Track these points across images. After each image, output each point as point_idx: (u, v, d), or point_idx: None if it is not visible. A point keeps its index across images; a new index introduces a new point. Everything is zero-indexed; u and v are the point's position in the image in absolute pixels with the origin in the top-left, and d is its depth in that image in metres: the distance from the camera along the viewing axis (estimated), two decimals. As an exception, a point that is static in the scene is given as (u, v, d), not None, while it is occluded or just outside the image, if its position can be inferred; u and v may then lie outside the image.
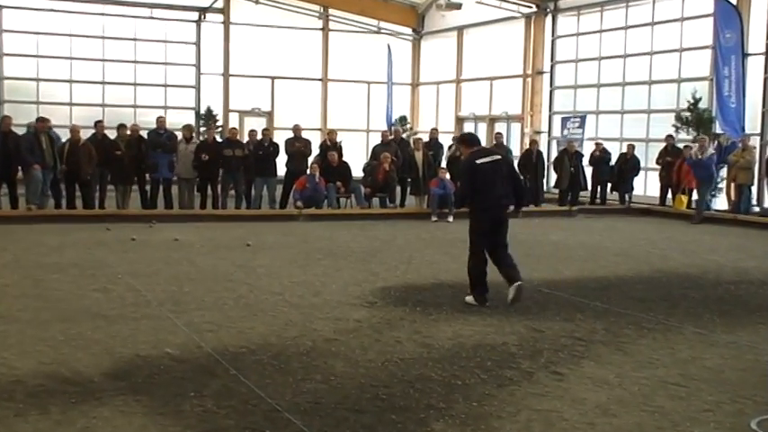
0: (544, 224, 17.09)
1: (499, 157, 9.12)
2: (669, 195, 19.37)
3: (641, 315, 8.29)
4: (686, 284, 10.17)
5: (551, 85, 25.39)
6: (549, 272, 10.97)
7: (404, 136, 21.74)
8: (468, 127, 27.67)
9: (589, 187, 20.54)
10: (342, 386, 5.80)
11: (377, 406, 5.42)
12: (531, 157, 20.08)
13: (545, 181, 22.37)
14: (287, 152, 18.40)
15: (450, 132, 25.95)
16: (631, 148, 20.34)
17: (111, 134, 17.34)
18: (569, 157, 20.10)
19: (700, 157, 17.79)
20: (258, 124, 24.48)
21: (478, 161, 8.85)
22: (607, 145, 21.15)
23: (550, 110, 25.41)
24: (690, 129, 19.57)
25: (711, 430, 5.12)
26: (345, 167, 18.41)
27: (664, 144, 19.61)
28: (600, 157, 20.56)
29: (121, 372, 6.05)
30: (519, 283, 8.61)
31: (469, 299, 8.79)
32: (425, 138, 20.76)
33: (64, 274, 10.00)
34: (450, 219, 17.05)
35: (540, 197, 20.27)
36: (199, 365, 6.25)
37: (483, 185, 8.76)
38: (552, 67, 25.31)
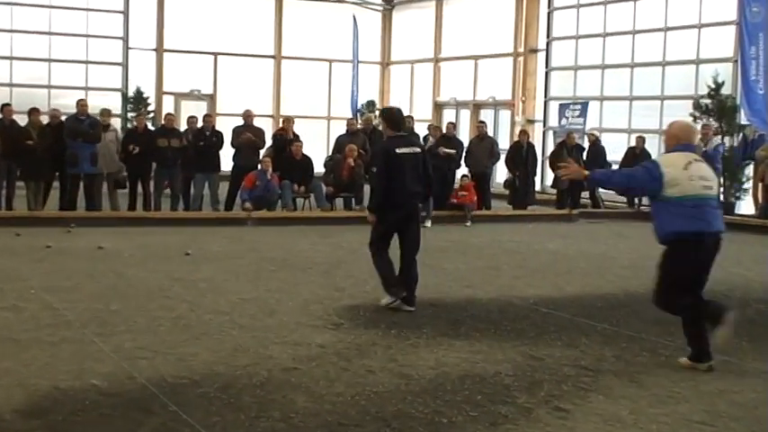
0: (540, 230, 17.17)
1: (419, 150, 9.59)
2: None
3: (658, 339, 8.33)
4: (709, 303, 10.22)
5: (547, 66, 25.58)
6: (547, 288, 11.00)
7: (375, 124, 21.68)
8: (449, 116, 27.75)
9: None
10: (304, 425, 5.76)
11: (347, 449, 5.39)
12: (521, 151, 20.19)
13: (538, 179, 22.51)
14: (233, 144, 18.34)
15: (427, 121, 26.01)
16: (641, 140, 20.48)
17: (22, 120, 17.13)
18: (569, 151, 20.17)
19: (704, 148, 17.61)
20: (198, 109, 24.32)
21: (398, 150, 9.23)
22: (613, 137, 21.31)
23: (546, 95, 25.59)
24: (710, 118, 19.69)
25: (745, 477, 5.14)
26: (307, 163, 18.40)
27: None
28: (592, 149, 20.65)
29: (37, 408, 5.96)
30: (411, 309, 9.22)
31: (386, 300, 9.17)
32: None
33: (-35, 288, 9.87)
34: (428, 223, 17.05)
35: (530, 198, 20.37)
36: (131, 400, 6.17)
37: (396, 178, 9.16)
38: (548, 44, 25.48)
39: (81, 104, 17.63)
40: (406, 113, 23.59)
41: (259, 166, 17.89)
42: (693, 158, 7.40)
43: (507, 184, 20.84)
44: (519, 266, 12.66)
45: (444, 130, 20.07)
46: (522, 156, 20.10)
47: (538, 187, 24.21)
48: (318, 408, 6.10)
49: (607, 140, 21.97)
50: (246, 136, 18.24)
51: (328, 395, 6.39)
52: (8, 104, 17.73)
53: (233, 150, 18.43)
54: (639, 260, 12.71)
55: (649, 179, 7.29)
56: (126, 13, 27.78)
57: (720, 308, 7.43)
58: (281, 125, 20.62)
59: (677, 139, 7.49)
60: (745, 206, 19.50)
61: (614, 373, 7.21)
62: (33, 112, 17.13)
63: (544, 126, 25.45)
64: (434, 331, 8.45)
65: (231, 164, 18.51)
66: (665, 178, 7.17)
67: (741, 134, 19.60)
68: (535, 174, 21.18)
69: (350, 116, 24.47)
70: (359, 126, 19.69)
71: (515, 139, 21.85)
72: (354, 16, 29.45)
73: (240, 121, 18.96)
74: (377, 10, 30.75)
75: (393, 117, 9.75)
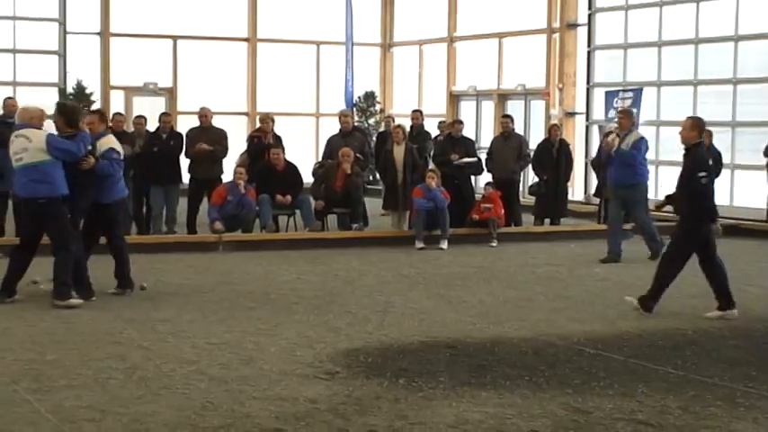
0: (585, 250, 17.10)
1: None
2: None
3: (735, 386, 8.30)
4: (799, 338, 10.21)
5: (590, 45, 25.58)
6: (594, 323, 10.99)
7: (373, 121, 21.74)
8: (467, 108, 27.72)
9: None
10: (292, 501, 5.75)
11: None
12: (551, 151, 20.09)
13: (580, 185, 22.51)
14: (187, 154, 18.35)
15: (440, 116, 26.00)
16: (709, 135, 20.44)
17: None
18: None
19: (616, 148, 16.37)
20: (154, 107, 24.36)
21: None
22: (674, 132, 21.24)
23: (589, 81, 25.60)
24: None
25: None
26: (292, 172, 18.37)
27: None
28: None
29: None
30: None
31: None
32: (407, 125, 20.57)
33: None
34: (444, 245, 17.05)
35: (561, 209, 20.22)
36: (74, 473, 6.17)
37: None
38: (591, 17, 25.49)
39: (9, 104, 17.64)
40: (412, 108, 23.82)
41: (232, 177, 17.89)
42: None
43: (533, 190, 20.61)
44: (558, 297, 12.63)
45: (451, 130, 19.98)
46: (551, 156, 20.00)
47: (579, 196, 24.28)
48: (309, 479, 6.10)
49: (667, 135, 21.90)
50: (200, 146, 18.14)
51: (322, 463, 6.38)
52: None
53: (188, 161, 18.45)
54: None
55: None
56: (62, -12, 27.89)
57: None
58: (257, 125, 20.56)
59: None
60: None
61: (679, 428, 7.19)
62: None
63: (587, 120, 25.48)
64: (453, 380, 8.43)
65: (188, 176, 18.57)
66: None
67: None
68: (568, 179, 20.99)
69: (344, 111, 24.41)
70: (354, 123, 19.56)
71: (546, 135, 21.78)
72: (347, -13, 29.52)
73: (196, 122, 18.92)
74: (375, -21, 30.83)
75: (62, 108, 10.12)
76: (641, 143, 16.08)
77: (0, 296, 11.78)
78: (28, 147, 11.61)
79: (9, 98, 18.15)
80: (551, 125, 21.68)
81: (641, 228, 16.32)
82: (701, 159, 11.75)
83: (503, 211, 18.29)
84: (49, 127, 12.52)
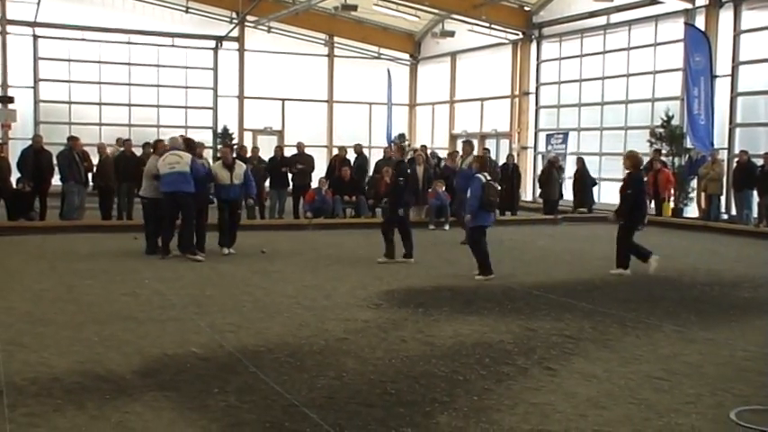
0: (532, 232, 17.02)
1: None
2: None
3: (625, 314, 8.23)
4: (665, 286, 10.10)
5: (537, 105, 25.38)
6: (539, 276, 10.90)
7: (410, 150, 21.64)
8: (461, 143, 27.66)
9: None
10: (353, 382, 5.74)
11: (386, 400, 5.36)
12: (508, 170, 20.19)
13: (529, 191, 22.41)
14: (290, 170, 18.43)
15: (444, 149, 25.93)
16: (581, 162, 20.35)
17: (138, 151, 17.28)
18: (557, 170, 20.13)
19: (459, 167, 15.26)
20: (270, 142, 24.51)
21: None
22: (587, 159, 21.09)
23: (536, 127, 25.39)
24: (663, 143, 19.52)
25: (694, 421, 5.06)
26: (355, 182, 18.55)
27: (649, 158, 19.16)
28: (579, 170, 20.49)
29: (151, 370, 5.99)
30: None
31: None
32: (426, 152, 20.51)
33: (96, 280, 9.93)
34: (447, 227, 16.99)
35: (516, 206, 20.35)
36: (221, 364, 6.19)
37: None
38: (537, 88, 25.29)
39: (224, 151, 16.99)
40: (428, 144, 23.62)
41: (317, 185, 17.98)
42: None
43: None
44: (517, 259, 12.58)
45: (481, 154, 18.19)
46: (508, 174, 20.00)
47: (529, 198, 24.17)
48: (364, 369, 6.08)
49: (588, 161, 21.62)
50: (298, 168, 18.37)
51: (371, 359, 6.37)
52: (129, 140, 17.94)
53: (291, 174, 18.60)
54: (611, 254, 12.54)
55: None
56: (215, 69, 27.87)
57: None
58: (336, 153, 20.70)
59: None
60: (691, 210, 19.27)
61: (591, 340, 7.14)
62: (146, 145, 17.20)
63: (534, 151, 25.27)
64: (452, 309, 8.41)
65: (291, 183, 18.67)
66: None
67: (687, 155, 19.38)
68: (519, 186, 21.20)
69: (385, 145, 24.32)
70: (392, 154, 19.58)
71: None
72: (389, 69, 29.39)
73: (295, 151, 19.23)
74: (406, 64, 30.60)
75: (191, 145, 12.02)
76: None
77: (162, 254, 11.85)
78: (179, 161, 11.69)
79: (182, 136, 17.88)
80: (508, 155, 21.67)
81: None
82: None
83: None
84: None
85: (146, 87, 26.96)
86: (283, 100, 28.84)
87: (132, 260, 11.70)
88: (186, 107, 27.58)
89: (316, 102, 29.37)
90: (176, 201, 11.77)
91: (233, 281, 10.01)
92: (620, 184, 11.44)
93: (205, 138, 23.69)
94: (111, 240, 13.88)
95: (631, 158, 11.33)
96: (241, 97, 28.21)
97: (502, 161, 21.45)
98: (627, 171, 11.50)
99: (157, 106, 27.17)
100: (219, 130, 26.66)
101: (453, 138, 28.51)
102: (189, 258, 11.62)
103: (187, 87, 27.57)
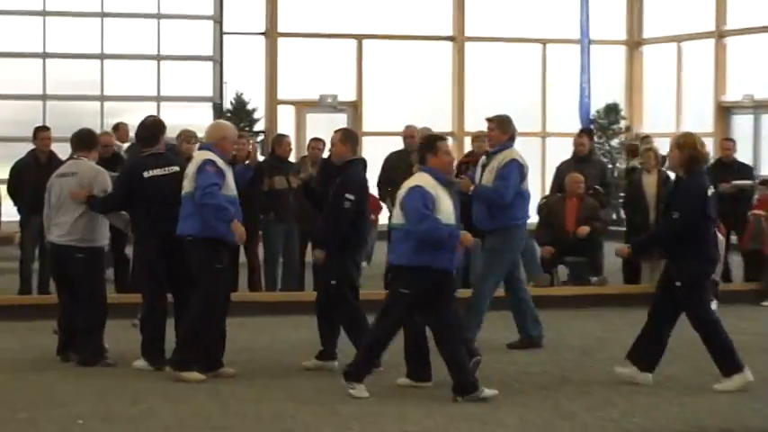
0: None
1: (177, 168, 6.08)
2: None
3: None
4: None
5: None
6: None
7: (616, 142, 13.96)
8: (742, 122, 15.59)
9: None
10: None
11: None
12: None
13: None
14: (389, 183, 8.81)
15: (705, 135, 10.90)
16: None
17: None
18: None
19: None
20: (332, 125, 9.89)
21: (146, 173, 6.02)
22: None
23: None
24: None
25: None
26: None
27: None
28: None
29: None
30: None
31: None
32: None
33: None
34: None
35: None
36: None
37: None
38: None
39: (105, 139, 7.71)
40: (671, 122, 14.70)
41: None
42: None
43: None
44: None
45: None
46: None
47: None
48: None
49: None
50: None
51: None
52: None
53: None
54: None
55: None
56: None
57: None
58: (469, 149, 10.93)
59: None
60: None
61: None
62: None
63: None
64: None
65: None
66: None
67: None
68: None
69: (581, 130, 12.64)
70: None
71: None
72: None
73: (397, 145, 9.79)
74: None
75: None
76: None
77: None
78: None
79: (121, 123, 10.78)
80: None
81: None
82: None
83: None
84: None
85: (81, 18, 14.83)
86: (360, 38, 15.73)
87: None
88: (158, 57, 15.02)
89: (428, 40, 16.19)
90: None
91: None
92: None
93: (198, 118, 13.14)
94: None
95: (684, 146, 5.71)
96: (272, 34, 15.46)
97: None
98: (673, 169, 6.35)
99: (101, 57, 14.83)
100: (228, 104, 15.00)
101: (723, 111, 15.54)
102: None
103: (160, 17, 14.89)
